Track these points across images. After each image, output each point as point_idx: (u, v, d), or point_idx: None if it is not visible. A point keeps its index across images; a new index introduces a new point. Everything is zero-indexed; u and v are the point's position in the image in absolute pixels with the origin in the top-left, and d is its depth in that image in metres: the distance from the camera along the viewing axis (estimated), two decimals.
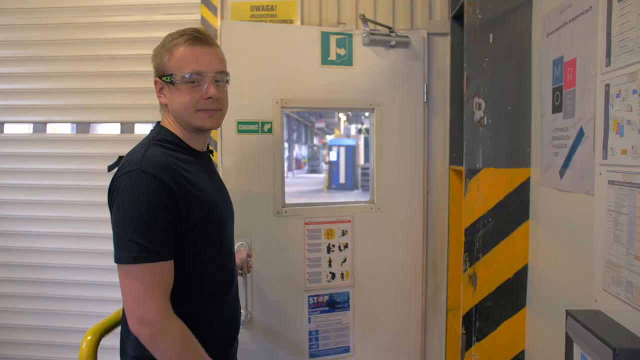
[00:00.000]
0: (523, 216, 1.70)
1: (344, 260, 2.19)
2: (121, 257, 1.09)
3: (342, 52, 2.16)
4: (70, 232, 2.58)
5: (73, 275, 2.58)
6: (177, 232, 1.13)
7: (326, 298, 2.17)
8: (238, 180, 2.02)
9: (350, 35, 2.16)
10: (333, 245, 2.18)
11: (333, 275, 2.18)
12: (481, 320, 1.72)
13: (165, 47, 1.22)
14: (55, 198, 2.60)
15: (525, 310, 1.71)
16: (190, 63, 1.20)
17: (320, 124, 32.81)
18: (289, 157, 33.54)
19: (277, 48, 2.08)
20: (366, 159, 20.71)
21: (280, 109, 2.09)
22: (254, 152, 2.05)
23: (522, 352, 1.72)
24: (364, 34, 2.16)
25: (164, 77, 1.22)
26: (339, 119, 22.51)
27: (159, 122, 1.30)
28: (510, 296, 1.71)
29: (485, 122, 1.71)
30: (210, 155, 1.39)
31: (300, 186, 20.58)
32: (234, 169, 2.03)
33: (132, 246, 1.07)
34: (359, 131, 22.27)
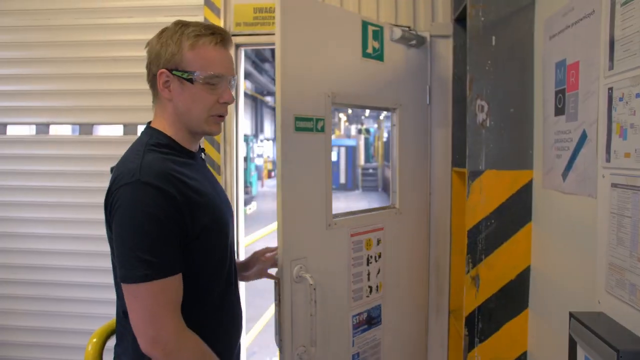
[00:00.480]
0: (525, 218, 1.70)
1: (378, 272, 2.05)
2: (128, 276, 1.03)
3: (376, 45, 2.00)
4: (73, 233, 2.59)
5: (75, 276, 2.59)
6: (182, 242, 1.09)
7: (365, 315, 2.00)
8: (294, 188, 1.67)
9: (381, 28, 2.02)
10: (370, 257, 2.01)
11: (370, 289, 2.02)
12: (484, 321, 1.73)
13: (187, 39, 1.13)
14: (57, 199, 2.61)
15: (527, 311, 1.71)
16: (216, 65, 1.14)
17: None
18: None
19: (327, 32, 1.81)
20: (366, 160, 20.72)
21: (331, 104, 1.80)
22: (309, 155, 1.75)
23: (525, 354, 1.72)
24: (393, 28, 2.07)
25: (177, 72, 1.13)
26: (339, 119, 22.53)
27: (149, 123, 1.23)
28: (512, 298, 1.71)
29: (488, 124, 1.72)
30: (203, 154, 1.34)
31: None
32: (291, 176, 1.66)
33: (139, 264, 1.01)
34: (359, 131, 22.28)
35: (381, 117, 20.90)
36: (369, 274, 2.00)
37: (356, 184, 17.45)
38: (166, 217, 1.04)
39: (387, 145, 20.12)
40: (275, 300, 1.61)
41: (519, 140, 1.71)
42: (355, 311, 1.95)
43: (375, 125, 23.36)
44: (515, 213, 1.71)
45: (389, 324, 2.12)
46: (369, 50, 1.98)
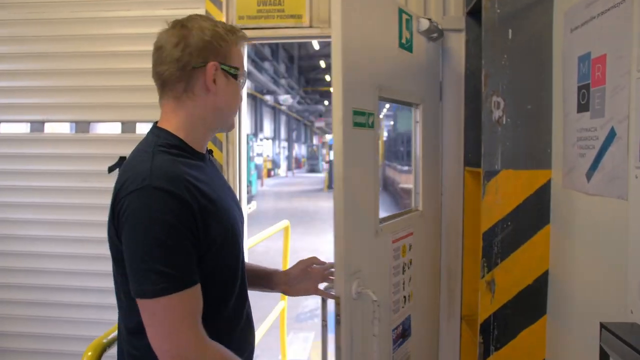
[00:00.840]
0: (543, 220, 1.63)
1: (410, 279, 1.89)
2: (144, 291, 0.95)
3: (408, 35, 1.85)
4: (70, 235, 2.52)
5: (73, 280, 2.52)
6: (197, 251, 1.02)
7: (400, 328, 1.82)
8: (351, 192, 1.48)
9: (411, 17, 1.88)
10: (405, 264, 1.86)
11: (405, 300, 1.86)
12: (499, 328, 1.65)
13: (234, 37, 1.13)
14: (53, 200, 2.53)
15: (545, 318, 1.64)
16: (243, 64, 1.19)
17: (319, 123, 32.72)
18: (289, 157, 33.58)
19: (373, 19, 1.65)
20: None
21: (378, 97, 1.65)
22: (362, 153, 1.57)
23: None
24: (420, 19, 1.94)
25: (225, 66, 1.11)
26: None
27: (155, 123, 1.15)
28: (530, 304, 1.64)
29: (504, 122, 1.64)
30: (211, 155, 1.29)
31: (301, 185, 20.58)
32: (350, 178, 1.47)
33: (154, 277, 0.94)
34: None
35: (380, 116, 20.79)
36: (403, 283, 1.86)
37: None
38: (180, 223, 0.97)
39: (387, 144, 20.01)
40: (324, 321, 1.45)
41: (537, 138, 1.63)
42: (394, 324, 1.79)
43: None
44: (532, 215, 1.63)
45: (415, 335, 1.98)
46: (403, 40, 1.83)
